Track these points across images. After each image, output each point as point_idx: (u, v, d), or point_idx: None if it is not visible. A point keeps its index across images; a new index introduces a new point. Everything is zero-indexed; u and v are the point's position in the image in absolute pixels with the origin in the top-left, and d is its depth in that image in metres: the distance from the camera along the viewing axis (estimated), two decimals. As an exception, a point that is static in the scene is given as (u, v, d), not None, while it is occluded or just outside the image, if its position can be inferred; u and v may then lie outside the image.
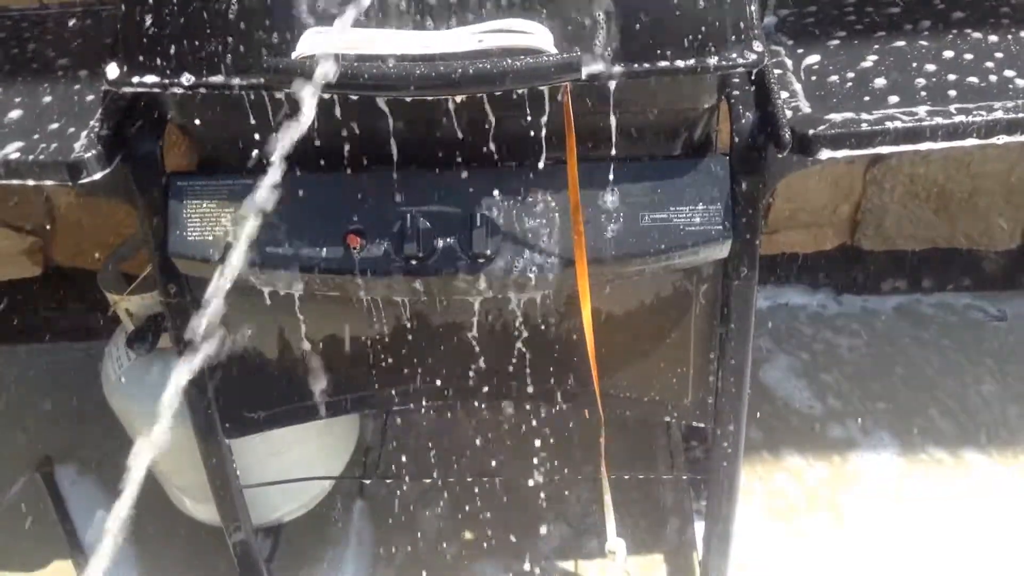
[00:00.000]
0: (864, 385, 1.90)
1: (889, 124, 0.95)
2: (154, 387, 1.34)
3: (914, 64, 1.07)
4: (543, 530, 1.66)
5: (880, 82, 1.04)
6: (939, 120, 0.97)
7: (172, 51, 0.94)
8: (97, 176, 1.02)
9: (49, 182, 1.03)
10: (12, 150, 1.03)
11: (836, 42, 1.13)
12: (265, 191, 0.89)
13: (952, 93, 1.01)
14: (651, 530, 1.66)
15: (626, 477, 1.56)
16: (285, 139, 0.87)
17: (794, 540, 1.64)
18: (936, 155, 1.89)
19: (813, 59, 1.10)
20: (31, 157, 1.01)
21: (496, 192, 1.05)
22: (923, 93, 1.01)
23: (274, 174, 0.88)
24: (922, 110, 0.98)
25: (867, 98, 1.01)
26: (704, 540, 1.47)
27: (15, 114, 1.10)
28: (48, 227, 1.99)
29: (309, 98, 0.85)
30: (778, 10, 1.21)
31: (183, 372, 0.91)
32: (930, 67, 1.06)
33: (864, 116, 0.97)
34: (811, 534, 1.65)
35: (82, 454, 1.82)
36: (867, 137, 0.96)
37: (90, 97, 1.11)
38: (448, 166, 1.06)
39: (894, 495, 1.69)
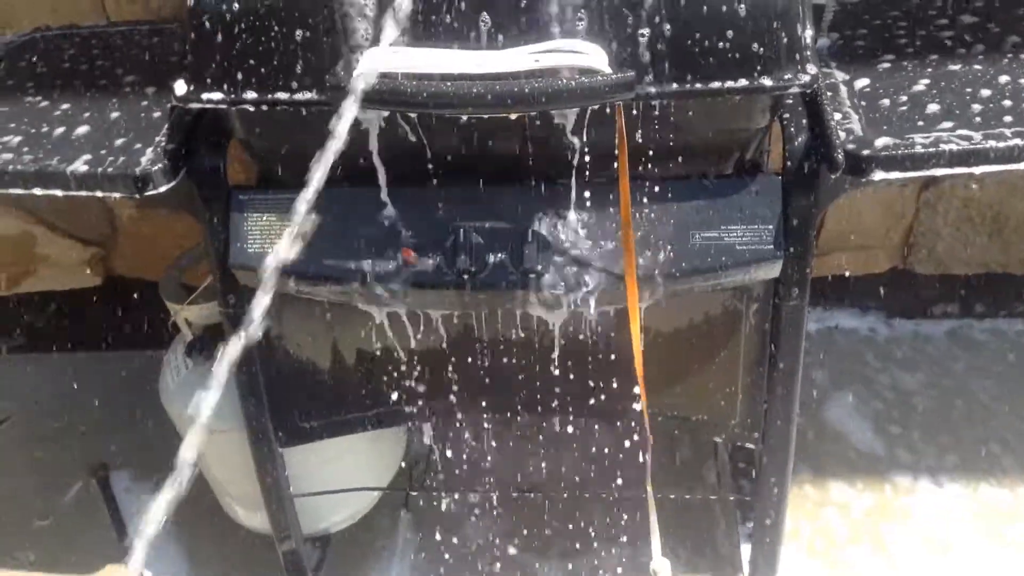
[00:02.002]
0: (918, 415, 1.86)
1: (944, 146, 0.95)
2: (210, 396, 1.37)
3: (968, 89, 1.06)
4: (588, 547, 1.66)
5: (934, 107, 1.03)
6: (994, 143, 0.96)
7: (237, 69, 0.97)
8: (163, 189, 1.05)
9: (116, 194, 1.06)
10: (81, 163, 1.06)
11: (887, 65, 1.13)
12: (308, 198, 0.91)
13: (1008, 118, 1.00)
14: (696, 551, 1.65)
15: (672, 496, 1.55)
16: (328, 153, 0.89)
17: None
18: (991, 179, 1.87)
19: (864, 82, 1.10)
20: (99, 169, 1.05)
21: (547, 208, 1.06)
22: (978, 119, 1.00)
23: (316, 184, 0.90)
24: (977, 135, 0.97)
25: (921, 122, 1.01)
26: (750, 563, 1.46)
27: (83, 129, 1.14)
28: (110, 238, 2.05)
29: (349, 114, 0.88)
30: (830, 33, 1.22)
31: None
32: (985, 92, 1.05)
33: (918, 138, 0.97)
34: (857, 570, 1.62)
35: (137, 461, 1.86)
36: (921, 159, 0.95)
37: (157, 114, 1.14)
38: (501, 182, 1.08)
39: (945, 533, 1.65)
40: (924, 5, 1.27)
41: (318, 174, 0.89)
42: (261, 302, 0.91)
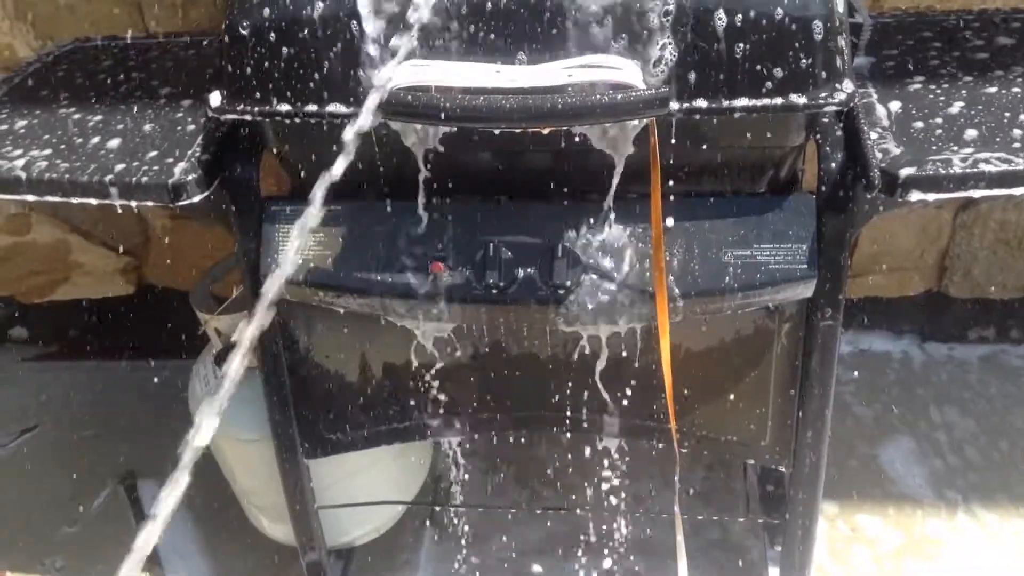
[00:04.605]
0: (952, 444, 1.83)
1: (982, 167, 0.93)
2: (239, 406, 1.37)
3: (1007, 113, 1.03)
4: (613, 566, 1.64)
5: (971, 131, 1.00)
6: (1034, 165, 0.94)
7: (271, 81, 0.98)
8: (196, 199, 1.06)
9: (150, 203, 1.07)
10: (115, 173, 1.07)
11: (922, 87, 1.10)
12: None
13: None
14: (724, 573, 1.63)
15: (699, 517, 1.54)
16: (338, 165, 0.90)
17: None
18: (1029, 202, 1.84)
19: (899, 102, 1.08)
20: (134, 179, 1.05)
21: (578, 224, 1.06)
22: (1017, 144, 0.97)
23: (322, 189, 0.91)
24: (1017, 157, 0.94)
25: (956, 144, 0.98)
26: (778, 586, 1.44)
27: (115, 142, 1.14)
28: (143, 247, 2.07)
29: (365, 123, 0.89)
30: (866, 52, 1.21)
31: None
32: (1025, 117, 1.03)
33: (956, 159, 0.95)
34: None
35: (165, 469, 1.86)
36: (959, 180, 0.93)
37: (191, 127, 1.15)
38: (532, 197, 1.07)
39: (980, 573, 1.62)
40: (959, 26, 1.25)
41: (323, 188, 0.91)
42: (255, 323, 0.92)
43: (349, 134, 0.90)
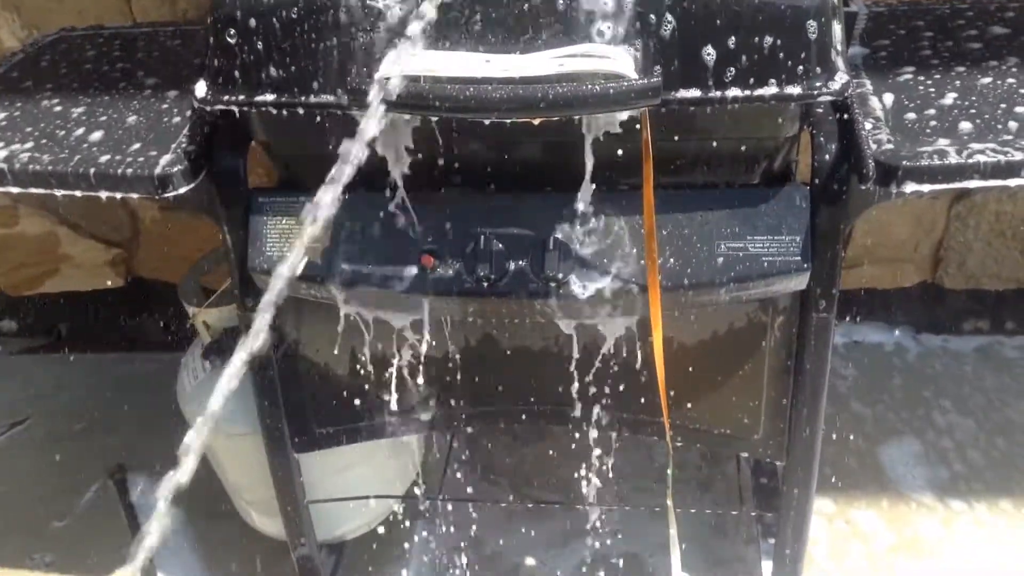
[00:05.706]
0: (948, 438, 1.82)
1: (978, 158, 0.92)
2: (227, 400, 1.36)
3: (1002, 104, 1.02)
4: (607, 560, 1.64)
5: (966, 124, 0.99)
6: (1031, 155, 0.93)
7: (257, 71, 0.97)
8: (183, 190, 1.04)
9: (136, 195, 1.05)
10: (101, 164, 1.05)
11: (914, 77, 1.09)
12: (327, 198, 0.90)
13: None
14: (717, 567, 1.63)
15: (692, 511, 1.53)
16: (352, 154, 0.88)
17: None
18: (1024, 193, 1.84)
19: (893, 93, 1.07)
20: (120, 171, 1.04)
21: (570, 216, 1.05)
22: (1011, 136, 0.95)
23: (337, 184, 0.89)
24: (1012, 148, 0.93)
25: (950, 137, 0.96)
26: (771, 579, 1.43)
27: (98, 135, 1.12)
28: (132, 240, 2.05)
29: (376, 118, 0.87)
30: (861, 44, 1.20)
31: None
32: (1020, 109, 1.01)
33: (951, 150, 0.94)
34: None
35: (155, 463, 1.86)
36: (955, 171, 0.92)
37: (177, 118, 1.13)
38: (522, 189, 1.06)
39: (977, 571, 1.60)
40: (952, 15, 1.24)
41: (335, 185, 0.89)
42: (266, 314, 0.90)
43: (366, 130, 0.88)
